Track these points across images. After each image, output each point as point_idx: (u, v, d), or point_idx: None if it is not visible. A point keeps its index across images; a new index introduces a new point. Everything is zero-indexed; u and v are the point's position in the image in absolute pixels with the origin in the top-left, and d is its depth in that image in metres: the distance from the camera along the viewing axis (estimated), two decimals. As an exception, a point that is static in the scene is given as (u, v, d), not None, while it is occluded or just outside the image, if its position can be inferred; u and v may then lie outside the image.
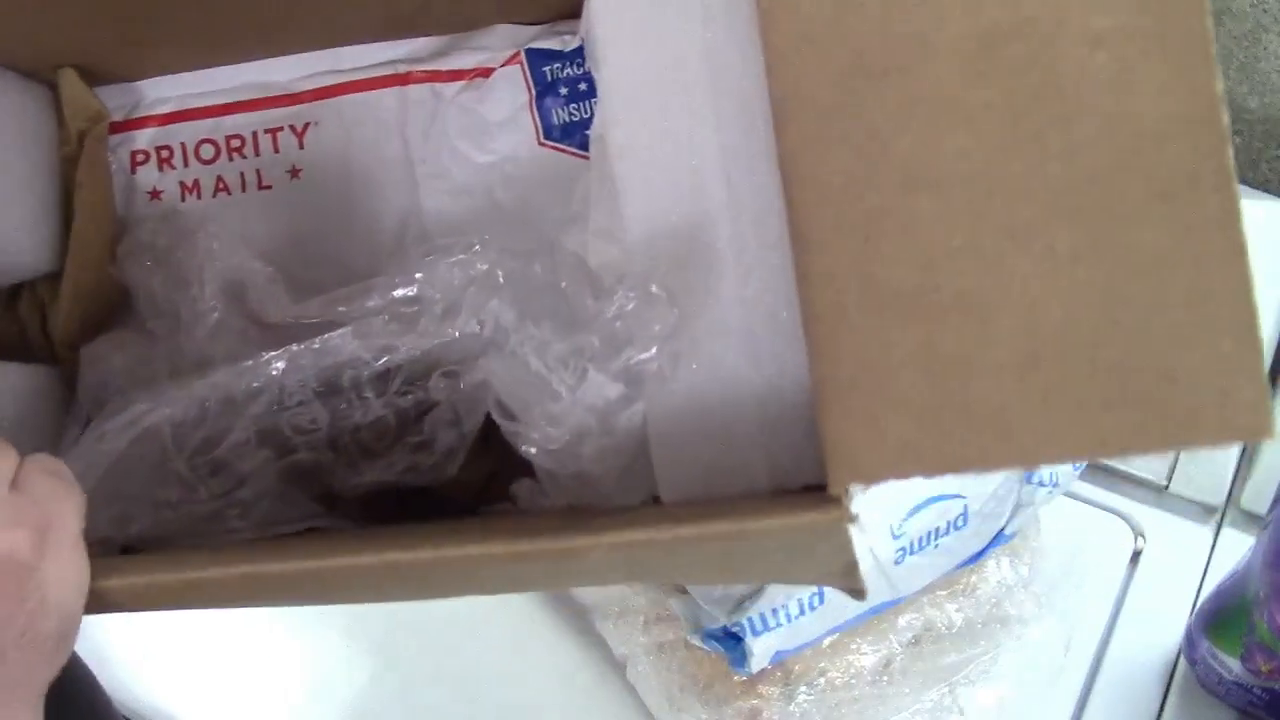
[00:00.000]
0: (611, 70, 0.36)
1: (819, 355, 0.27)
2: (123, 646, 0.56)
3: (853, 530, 0.27)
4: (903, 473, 0.27)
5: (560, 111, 0.45)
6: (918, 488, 0.46)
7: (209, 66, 0.46)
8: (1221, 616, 0.50)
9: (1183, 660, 0.53)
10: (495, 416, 0.36)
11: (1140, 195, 0.26)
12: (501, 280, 0.37)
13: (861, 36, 0.27)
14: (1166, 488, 0.58)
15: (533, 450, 0.35)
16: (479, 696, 0.53)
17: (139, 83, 0.46)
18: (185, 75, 0.46)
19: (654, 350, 0.35)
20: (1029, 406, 0.26)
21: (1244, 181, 0.64)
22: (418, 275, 0.37)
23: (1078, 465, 0.49)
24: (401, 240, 0.46)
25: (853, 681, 0.48)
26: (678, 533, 0.29)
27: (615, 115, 0.36)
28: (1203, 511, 0.59)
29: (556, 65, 0.46)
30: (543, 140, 0.46)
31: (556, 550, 0.30)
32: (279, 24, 0.43)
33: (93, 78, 0.45)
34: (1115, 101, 0.26)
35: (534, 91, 0.46)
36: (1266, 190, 0.62)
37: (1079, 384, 0.26)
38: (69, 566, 0.30)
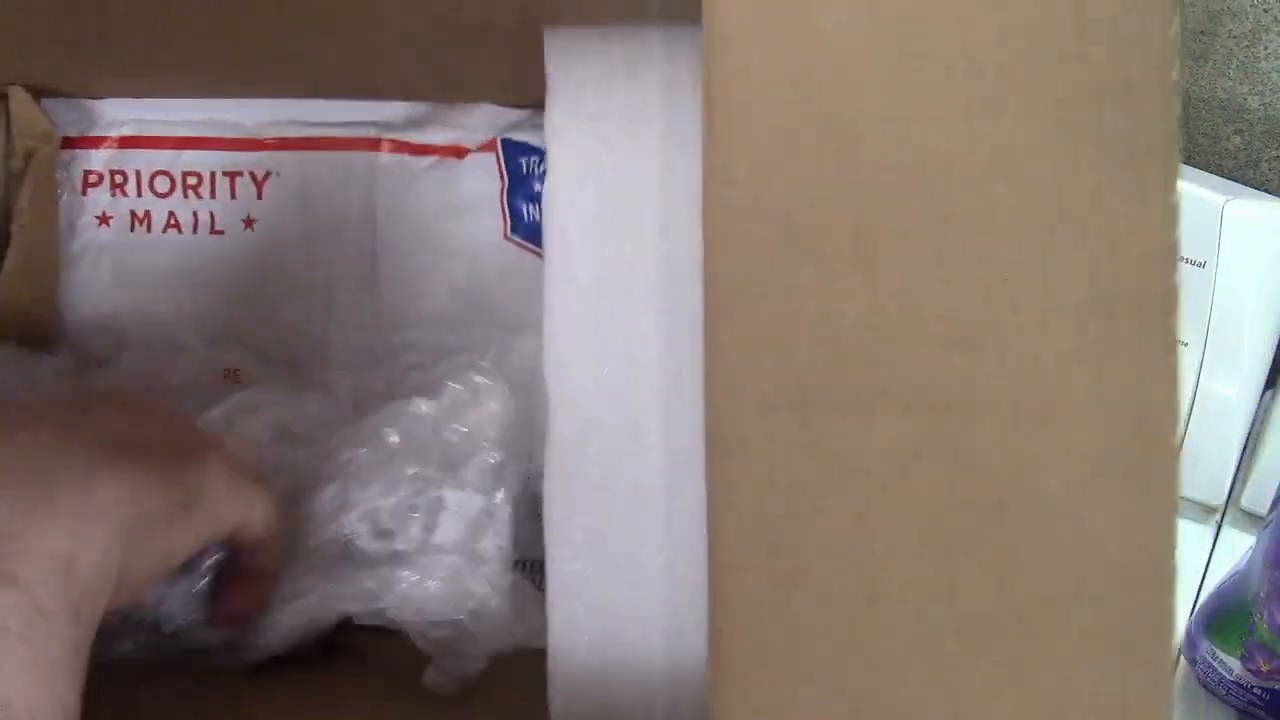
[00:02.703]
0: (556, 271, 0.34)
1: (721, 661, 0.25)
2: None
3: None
4: None
5: (530, 208, 0.44)
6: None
7: (173, 96, 0.45)
8: (1222, 617, 0.50)
9: (1183, 660, 0.53)
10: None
11: (1069, 652, 0.24)
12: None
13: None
14: (1166, 488, 0.58)
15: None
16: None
17: (99, 100, 0.45)
18: (149, 101, 0.45)
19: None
20: None
21: (1244, 181, 0.64)
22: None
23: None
24: (355, 313, 0.45)
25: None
26: None
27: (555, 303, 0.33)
28: (1203, 511, 0.59)
29: (533, 159, 0.44)
30: (509, 234, 0.44)
31: None
32: (248, 68, 0.42)
33: (49, 92, 0.44)
34: (1060, 539, 0.24)
35: (506, 182, 0.44)
36: (1266, 190, 0.62)
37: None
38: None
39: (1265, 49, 0.60)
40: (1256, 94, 0.62)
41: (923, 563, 0.24)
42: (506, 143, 0.44)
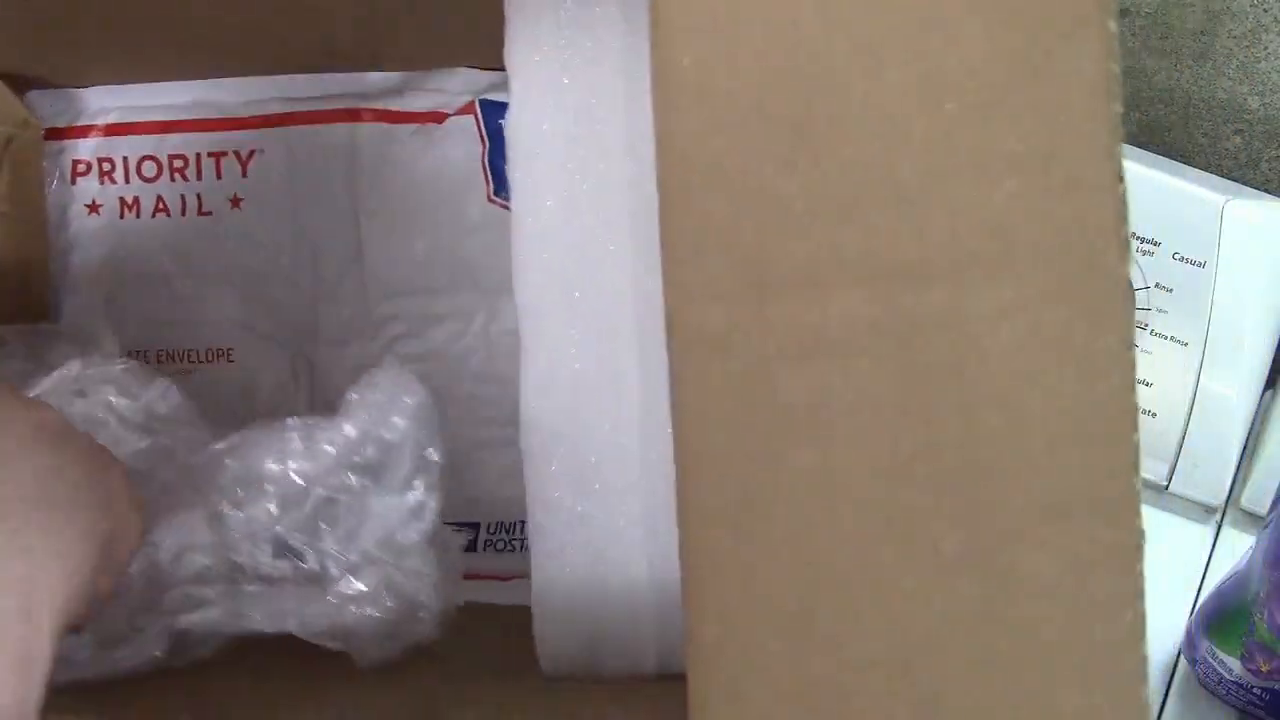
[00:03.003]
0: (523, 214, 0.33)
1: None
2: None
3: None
4: None
5: None
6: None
7: (155, 81, 0.45)
8: (1222, 616, 0.50)
9: (1183, 660, 0.53)
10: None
11: (1034, 510, 0.24)
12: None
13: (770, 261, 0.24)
14: (1166, 488, 0.58)
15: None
16: None
17: (84, 90, 0.45)
18: (132, 86, 0.45)
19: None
20: None
21: (1244, 181, 0.64)
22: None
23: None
24: (341, 285, 0.45)
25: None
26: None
27: (526, 275, 0.33)
28: (1203, 511, 0.58)
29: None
30: (493, 196, 0.44)
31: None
32: (228, 46, 0.42)
33: (35, 83, 0.44)
34: (1018, 394, 0.24)
35: (487, 145, 0.44)
36: (1266, 190, 0.62)
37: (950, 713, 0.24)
38: None
39: (1265, 49, 0.60)
40: (1256, 94, 0.62)
41: (884, 437, 0.24)
42: (485, 104, 0.44)
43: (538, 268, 0.33)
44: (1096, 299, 0.23)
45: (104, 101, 0.45)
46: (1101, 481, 0.24)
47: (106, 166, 0.45)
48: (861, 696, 0.24)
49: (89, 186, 0.45)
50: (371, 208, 0.45)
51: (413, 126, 0.45)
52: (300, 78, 0.45)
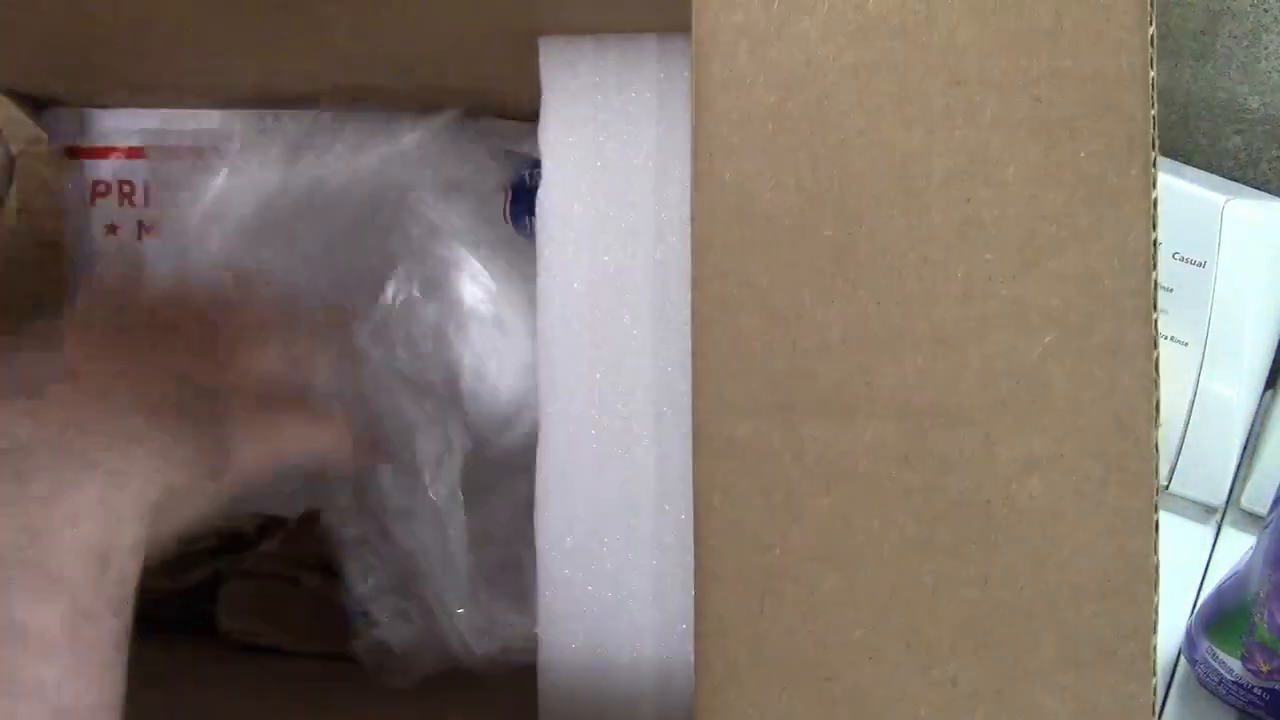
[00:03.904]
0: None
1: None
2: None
3: None
4: None
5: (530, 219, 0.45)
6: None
7: (179, 107, 0.45)
8: (1222, 617, 0.50)
9: (1183, 660, 0.53)
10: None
11: (1052, 655, 0.24)
12: None
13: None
14: (1166, 488, 0.58)
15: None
16: None
17: (106, 111, 0.46)
18: (155, 111, 0.45)
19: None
20: None
21: (1244, 181, 0.64)
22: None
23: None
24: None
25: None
26: None
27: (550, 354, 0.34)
28: (1203, 511, 0.58)
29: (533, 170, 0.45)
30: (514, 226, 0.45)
31: None
32: (250, 76, 0.42)
33: (54, 102, 0.44)
34: (1045, 542, 0.24)
35: (509, 194, 0.45)
36: (1266, 190, 0.62)
37: None
38: None
39: (1265, 49, 0.60)
40: (1256, 94, 0.62)
41: (907, 566, 0.24)
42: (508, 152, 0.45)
43: (562, 346, 0.33)
44: (1126, 460, 0.24)
45: (126, 124, 0.45)
46: (1122, 638, 0.24)
47: (127, 189, 0.45)
48: None
49: (107, 209, 0.46)
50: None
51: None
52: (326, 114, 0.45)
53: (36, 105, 0.44)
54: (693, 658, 0.25)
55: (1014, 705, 0.24)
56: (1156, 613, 0.24)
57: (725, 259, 0.24)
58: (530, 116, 0.44)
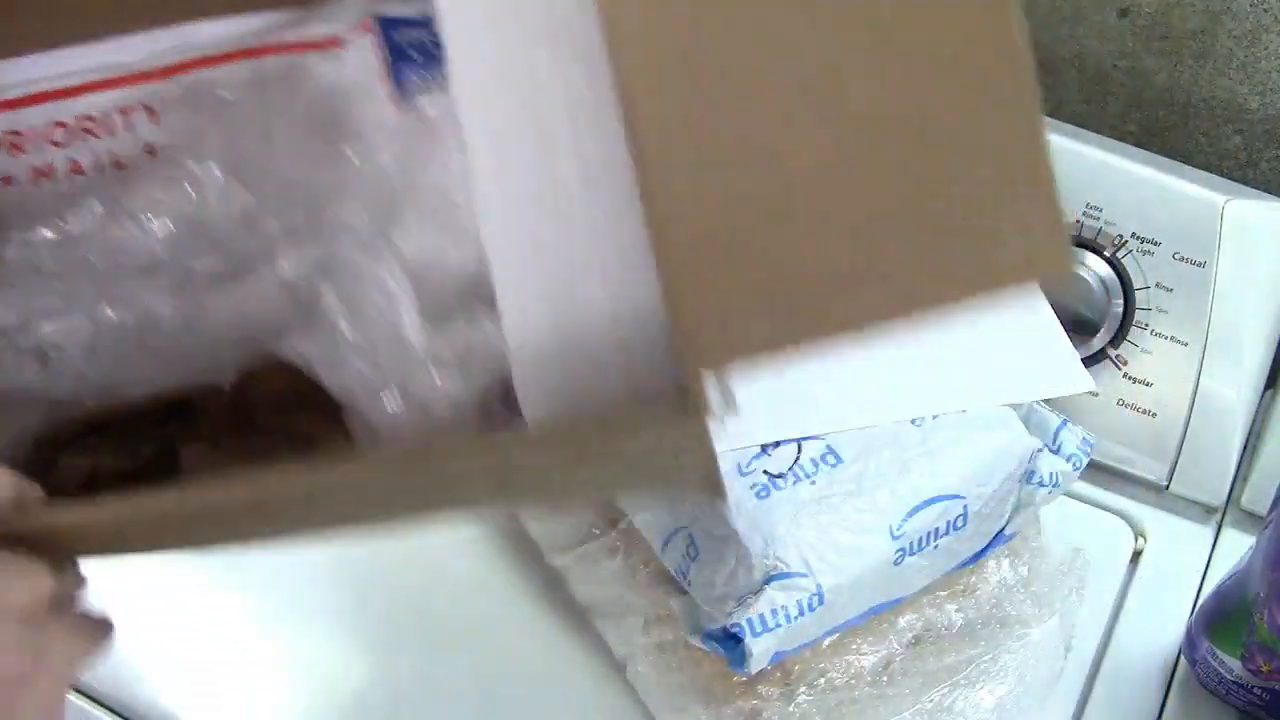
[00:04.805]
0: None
1: (664, 245, 0.28)
2: (121, 645, 0.56)
3: (713, 427, 0.28)
4: (748, 354, 0.27)
5: (416, 77, 0.45)
6: (917, 488, 0.46)
7: (54, 48, 0.45)
8: (1222, 616, 0.50)
9: (1183, 660, 0.53)
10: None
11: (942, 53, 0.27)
12: None
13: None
14: (1167, 488, 0.58)
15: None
16: (478, 697, 0.53)
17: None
18: (32, 58, 0.45)
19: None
20: (851, 270, 0.27)
21: (1244, 181, 0.64)
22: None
23: (1078, 466, 0.49)
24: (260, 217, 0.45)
25: (853, 682, 0.48)
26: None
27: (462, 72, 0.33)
28: (1203, 511, 0.59)
29: (411, 31, 0.45)
30: (400, 106, 0.45)
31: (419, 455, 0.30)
32: (118, 5, 0.42)
33: None
34: None
35: (389, 61, 0.45)
36: (1266, 190, 0.62)
37: (891, 244, 0.27)
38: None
39: (1265, 49, 0.60)
40: (1256, 94, 0.62)
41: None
42: (383, 20, 0.45)
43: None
44: None
45: (6, 77, 0.44)
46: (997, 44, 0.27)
47: (14, 139, 0.44)
48: (815, 265, 0.27)
49: (0, 163, 0.45)
50: (283, 131, 0.45)
51: (315, 53, 0.45)
52: (196, 25, 0.45)
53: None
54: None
55: (917, 109, 0.27)
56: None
57: None
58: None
